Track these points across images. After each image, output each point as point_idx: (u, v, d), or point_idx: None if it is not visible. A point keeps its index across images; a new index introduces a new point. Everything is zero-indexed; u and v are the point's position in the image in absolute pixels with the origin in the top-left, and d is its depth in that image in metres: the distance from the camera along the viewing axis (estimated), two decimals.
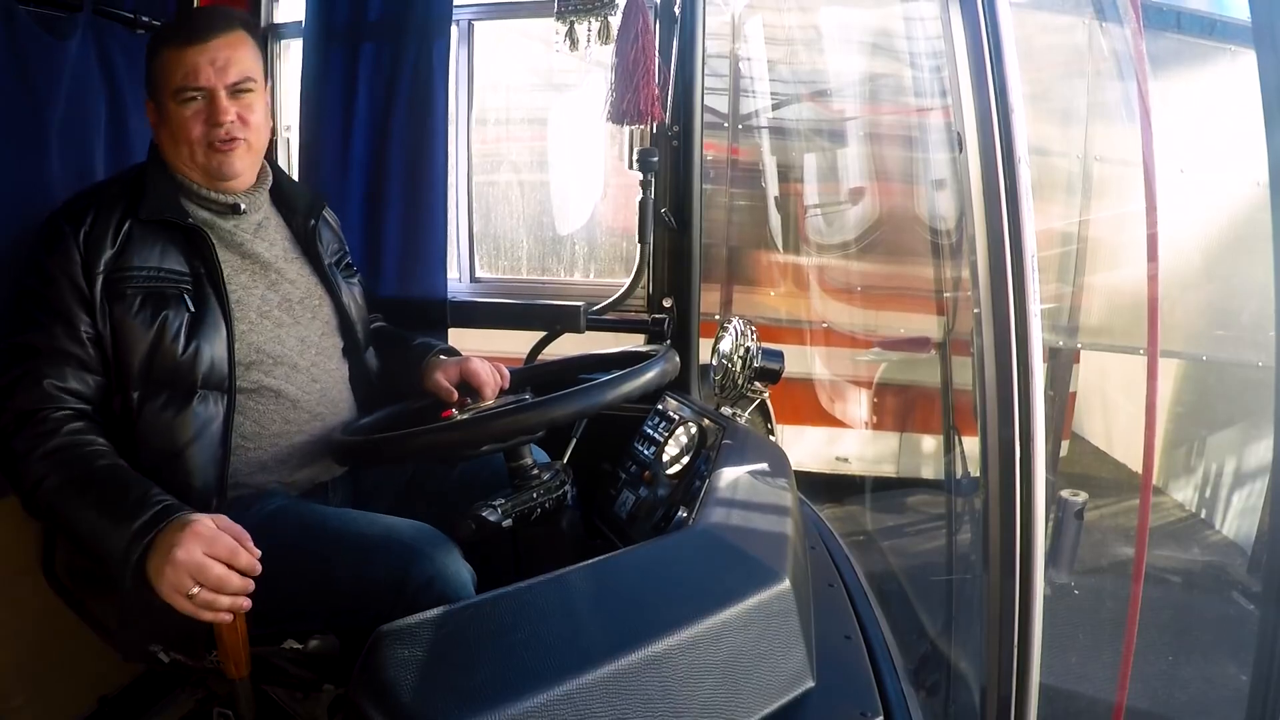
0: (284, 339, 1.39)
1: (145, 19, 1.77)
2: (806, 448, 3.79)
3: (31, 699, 1.46)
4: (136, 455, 1.25)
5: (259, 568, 1.09)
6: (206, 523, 1.09)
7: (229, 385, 1.31)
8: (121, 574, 1.10)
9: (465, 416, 1.36)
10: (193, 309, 1.30)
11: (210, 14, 1.37)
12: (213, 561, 1.06)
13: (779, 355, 1.67)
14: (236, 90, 1.34)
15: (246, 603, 1.09)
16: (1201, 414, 3.57)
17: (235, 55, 1.33)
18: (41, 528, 1.48)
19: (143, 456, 1.26)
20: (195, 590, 1.06)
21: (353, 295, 1.54)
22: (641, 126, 1.84)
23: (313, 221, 1.51)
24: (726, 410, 1.64)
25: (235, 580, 1.07)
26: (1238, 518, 3.45)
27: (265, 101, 1.41)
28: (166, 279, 1.31)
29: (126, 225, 1.30)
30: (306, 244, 1.50)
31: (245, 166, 1.39)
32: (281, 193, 1.50)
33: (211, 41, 1.32)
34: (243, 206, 1.40)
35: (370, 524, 1.26)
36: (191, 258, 1.33)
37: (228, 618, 1.08)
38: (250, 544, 1.09)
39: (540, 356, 1.99)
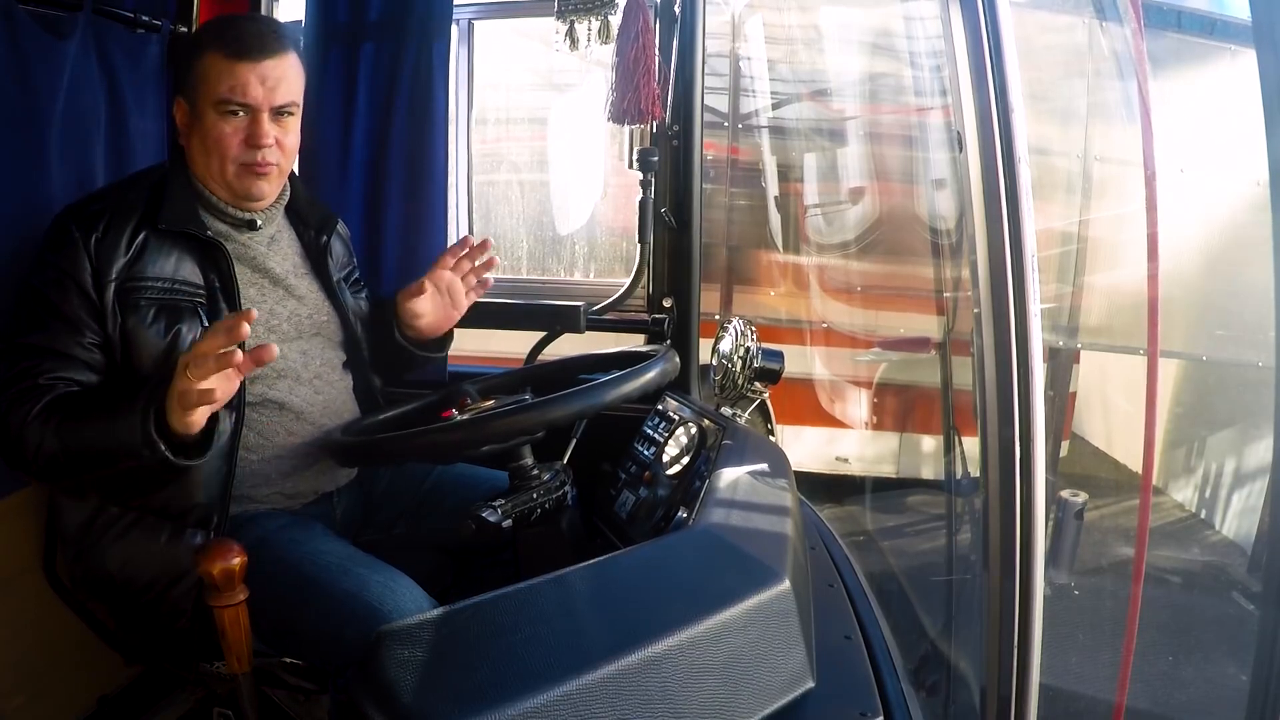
0: (288, 353, 1.38)
1: (145, 19, 1.77)
2: (806, 448, 3.79)
3: (31, 699, 1.46)
4: (143, 465, 1.23)
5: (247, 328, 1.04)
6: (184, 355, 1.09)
7: (238, 402, 1.29)
8: (151, 446, 1.11)
9: (465, 417, 1.36)
10: (207, 324, 1.29)
11: (264, 30, 1.32)
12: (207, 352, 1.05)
13: (779, 355, 1.66)
14: (280, 112, 1.32)
15: (243, 363, 1.05)
16: (1201, 414, 3.57)
17: (286, 76, 1.31)
18: (42, 528, 1.48)
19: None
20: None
21: (359, 311, 1.53)
22: (641, 126, 1.84)
23: (325, 238, 1.50)
24: (726, 410, 1.64)
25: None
26: (1238, 518, 3.45)
27: (299, 123, 1.39)
28: (181, 291, 1.29)
29: (142, 234, 1.28)
30: (317, 259, 1.49)
31: (273, 189, 1.38)
32: (296, 206, 1.49)
33: (265, 61, 1.29)
34: (259, 223, 1.39)
35: (343, 573, 1.21)
36: (207, 270, 1.32)
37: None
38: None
39: (540, 356, 1.99)
